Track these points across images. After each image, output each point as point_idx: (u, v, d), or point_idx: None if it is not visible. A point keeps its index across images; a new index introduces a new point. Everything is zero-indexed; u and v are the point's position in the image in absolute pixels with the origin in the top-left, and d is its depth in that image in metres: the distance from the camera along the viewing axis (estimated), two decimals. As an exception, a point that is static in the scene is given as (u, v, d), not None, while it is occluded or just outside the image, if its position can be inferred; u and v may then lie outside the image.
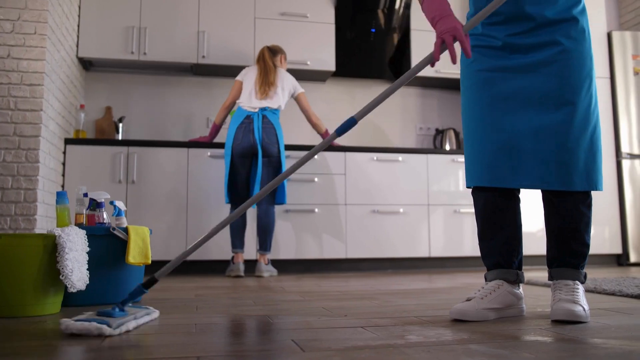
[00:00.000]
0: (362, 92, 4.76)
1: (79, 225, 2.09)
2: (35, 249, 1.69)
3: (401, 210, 4.07)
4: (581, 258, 1.64)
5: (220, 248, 3.75)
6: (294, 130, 4.48)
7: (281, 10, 4.31)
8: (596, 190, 1.61)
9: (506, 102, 1.63)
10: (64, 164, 3.65)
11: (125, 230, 2.03)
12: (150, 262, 2.08)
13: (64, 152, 3.66)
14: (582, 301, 1.53)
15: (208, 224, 3.79)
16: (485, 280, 1.70)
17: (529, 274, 3.38)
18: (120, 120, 4.14)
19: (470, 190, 1.76)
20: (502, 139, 1.62)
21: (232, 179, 3.56)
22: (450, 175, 4.19)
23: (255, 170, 3.57)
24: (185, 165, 3.82)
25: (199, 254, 3.74)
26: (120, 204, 2.17)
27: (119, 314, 1.40)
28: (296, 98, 3.81)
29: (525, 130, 1.61)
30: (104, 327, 1.30)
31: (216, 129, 3.86)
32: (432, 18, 1.54)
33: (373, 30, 4.55)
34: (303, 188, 3.93)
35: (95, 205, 2.14)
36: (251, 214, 3.77)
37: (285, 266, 3.93)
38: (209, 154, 3.86)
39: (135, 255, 2.02)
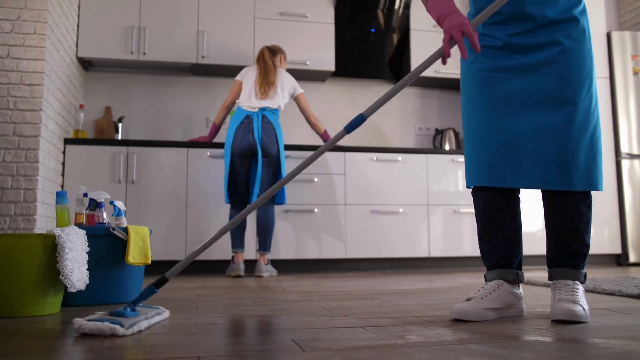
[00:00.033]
0: (361, 92, 4.76)
1: (79, 225, 2.09)
2: (35, 249, 1.69)
3: (401, 210, 4.07)
4: (581, 258, 1.64)
5: (220, 248, 3.75)
6: (293, 131, 4.48)
7: (281, 10, 4.31)
8: (596, 190, 1.61)
9: (506, 102, 1.63)
10: (63, 163, 3.65)
11: (125, 230, 2.03)
12: (150, 262, 2.08)
13: (64, 152, 3.66)
14: (582, 301, 1.53)
15: (207, 223, 3.79)
16: (485, 280, 1.70)
17: (528, 274, 3.39)
18: (120, 120, 4.14)
19: (469, 190, 1.76)
20: (503, 139, 1.62)
21: (232, 179, 3.56)
22: (449, 175, 4.19)
23: (255, 170, 3.57)
24: (184, 165, 3.82)
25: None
26: (120, 204, 2.17)
27: (131, 314, 1.40)
28: (295, 98, 3.81)
29: (526, 130, 1.61)
30: (117, 327, 1.30)
31: (216, 129, 3.86)
32: (438, 16, 1.53)
33: (373, 30, 4.56)
34: (303, 188, 3.93)
35: (95, 205, 2.14)
36: (251, 214, 3.77)
37: (284, 266, 3.93)
38: (208, 153, 3.86)
39: (135, 255, 2.02)
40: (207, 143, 3.86)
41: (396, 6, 4.53)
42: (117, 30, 4.03)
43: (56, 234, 1.72)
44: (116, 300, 2.00)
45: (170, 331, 1.39)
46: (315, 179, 3.97)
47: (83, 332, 1.32)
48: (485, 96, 1.66)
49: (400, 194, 4.09)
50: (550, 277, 1.68)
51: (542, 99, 1.60)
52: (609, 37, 4.69)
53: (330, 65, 4.36)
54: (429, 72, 4.45)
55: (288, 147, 3.92)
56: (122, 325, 1.30)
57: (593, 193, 1.65)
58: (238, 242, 3.56)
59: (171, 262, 3.73)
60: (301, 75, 4.39)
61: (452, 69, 4.44)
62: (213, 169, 3.85)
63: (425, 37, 4.55)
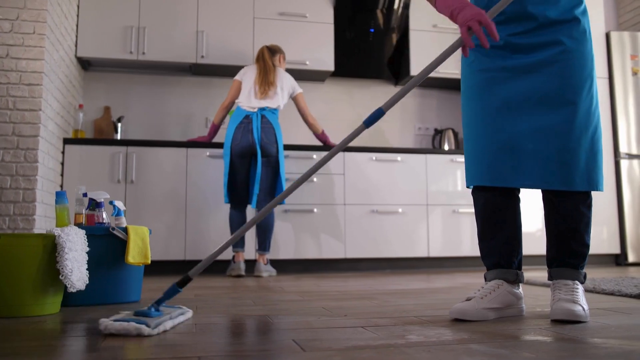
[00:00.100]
0: (360, 92, 4.76)
1: (79, 225, 2.09)
2: (35, 249, 1.69)
3: (400, 210, 4.07)
4: (581, 258, 1.64)
5: (219, 248, 3.74)
6: (292, 130, 4.48)
7: (280, 10, 4.31)
8: (597, 190, 1.61)
9: (507, 102, 1.63)
10: (62, 163, 3.65)
11: (125, 230, 2.03)
12: (149, 262, 2.08)
13: (63, 152, 3.65)
14: (582, 301, 1.54)
15: (207, 223, 3.79)
16: (485, 280, 1.70)
17: (528, 273, 3.39)
18: (119, 120, 4.13)
19: (469, 190, 1.76)
20: (503, 139, 1.62)
21: (232, 179, 3.56)
22: (448, 175, 4.19)
23: (254, 170, 3.57)
24: (184, 165, 3.82)
25: (198, 254, 3.74)
26: (119, 204, 2.17)
27: (155, 314, 1.40)
28: (294, 98, 3.81)
29: (526, 130, 1.61)
30: (143, 327, 1.29)
31: (215, 129, 3.86)
32: (452, 12, 1.52)
33: (372, 30, 4.56)
34: (302, 188, 3.93)
35: (94, 205, 2.14)
36: (251, 214, 3.77)
37: (284, 266, 3.93)
38: (207, 153, 3.86)
39: (135, 255, 2.02)
40: (206, 143, 3.86)
41: (395, 6, 4.53)
42: (116, 30, 4.03)
43: (56, 234, 1.72)
44: (116, 300, 2.00)
45: (170, 331, 1.39)
46: (315, 179, 3.97)
47: (109, 333, 1.31)
48: (486, 96, 1.66)
49: (400, 194, 4.09)
50: (550, 277, 1.68)
51: (542, 99, 1.61)
52: (608, 37, 4.69)
53: (330, 65, 4.36)
54: (428, 72, 4.45)
55: (287, 147, 3.92)
56: (148, 325, 1.30)
57: (592, 193, 1.65)
58: (239, 241, 3.56)
59: (171, 262, 3.74)
60: (300, 75, 4.39)
61: (451, 69, 4.44)
62: (212, 169, 3.85)
63: (424, 37, 4.56)
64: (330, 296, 2.22)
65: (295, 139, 4.50)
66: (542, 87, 1.61)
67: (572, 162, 1.58)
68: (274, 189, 3.61)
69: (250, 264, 3.77)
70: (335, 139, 4.54)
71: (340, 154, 4.03)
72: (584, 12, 1.66)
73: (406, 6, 4.56)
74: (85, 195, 2.15)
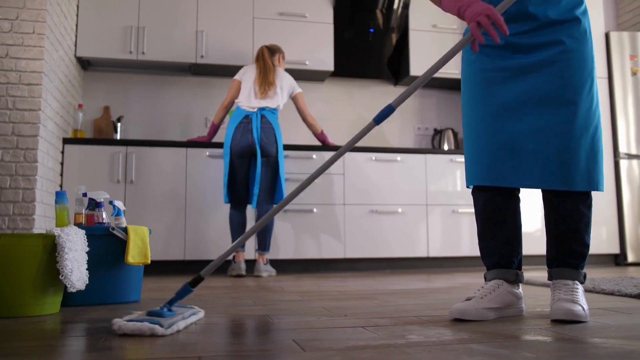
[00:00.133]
0: (360, 92, 4.76)
1: (78, 225, 2.09)
2: (35, 249, 1.69)
3: (399, 210, 4.07)
4: (581, 258, 1.64)
5: (219, 248, 3.75)
6: (292, 131, 4.48)
7: (280, 10, 4.31)
8: (597, 190, 1.61)
9: (507, 102, 1.63)
10: (62, 163, 3.65)
11: (125, 230, 2.03)
12: (149, 262, 2.08)
13: (62, 152, 3.65)
14: (582, 301, 1.54)
15: (207, 223, 3.79)
16: (485, 279, 1.70)
17: (528, 273, 3.39)
18: (119, 119, 4.13)
19: (469, 190, 1.76)
20: (503, 139, 1.62)
21: (231, 179, 3.56)
22: (448, 176, 4.19)
23: (254, 170, 3.57)
24: (183, 165, 3.82)
25: (197, 254, 3.74)
26: (119, 204, 2.17)
27: (168, 314, 1.39)
28: (293, 98, 3.81)
29: (527, 130, 1.61)
30: (157, 327, 1.29)
31: (214, 129, 3.85)
32: (458, 9, 1.51)
33: (371, 30, 4.56)
34: (302, 188, 3.92)
35: (94, 205, 2.14)
36: (251, 214, 3.77)
37: (283, 266, 3.93)
38: (207, 153, 3.86)
39: (135, 255, 2.02)
40: (206, 143, 3.86)
41: (395, 6, 4.53)
42: (116, 30, 4.03)
43: (56, 234, 1.72)
44: (116, 300, 2.00)
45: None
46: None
47: (123, 333, 1.31)
48: (486, 96, 1.66)
49: (399, 194, 4.10)
50: (550, 277, 1.68)
51: (543, 99, 1.61)
52: (607, 37, 4.69)
53: (329, 65, 4.36)
54: (427, 72, 4.45)
55: (287, 147, 3.92)
56: (161, 325, 1.30)
57: (592, 193, 1.65)
58: (239, 241, 3.56)
59: (171, 262, 3.73)
60: (300, 75, 4.39)
61: (451, 68, 4.44)
62: (212, 169, 3.85)
63: (424, 37, 4.56)
64: (330, 296, 2.22)
65: (295, 139, 4.50)
66: (543, 87, 1.61)
67: (573, 162, 1.58)
68: (273, 189, 3.61)
69: (250, 264, 3.77)
70: (335, 139, 4.54)
71: (340, 154, 4.03)
72: (585, 12, 1.66)
73: (406, 6, 4.57)
74: (85, 195, 2.15)
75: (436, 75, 4.49)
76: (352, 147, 1.49)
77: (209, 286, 2.74)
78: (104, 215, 2.15)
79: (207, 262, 3.79)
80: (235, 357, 1.09)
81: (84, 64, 4.16)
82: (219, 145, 3.86)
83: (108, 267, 1.99)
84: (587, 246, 1.64)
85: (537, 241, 4.01)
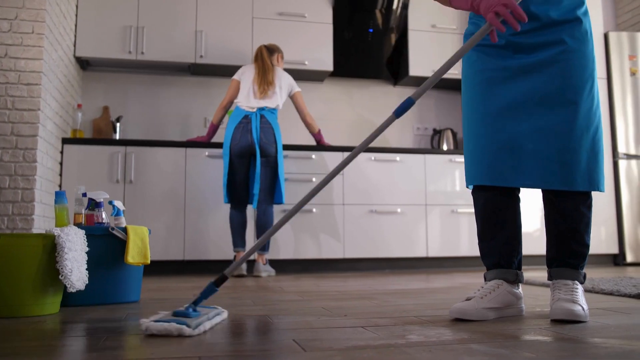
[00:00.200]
0: (359, 92, 4.76)
1: (78, 225, 2.09)
2: (35, 249, 1.69)
3: (399, 210, 4.07)
4: (581, 258, 1.64)
5: (218, 248, 3.75)
6: (291, 131, 4.48)
7: (279, 10, 4.31)
8: (598, 190, 1.61)
9: (508, 101, 1.63)
10: (61, 163, 3.64)
11: (124, 230, 2.03)
12: (149, 262, 2.08)
13: (62, 152, 3.65)
14: (581, 301, 1.54)
15: (206, 223, 3.79)
16: (485, 279, 1.71)
17: (528, 274, 3.39)
18: (118, 119, 4.13)
19: (468, 190, 1.76)
20: (503, 139, 1.62)
21: (231, 179, 3.56)
22: (447, 176, 4.19)
23: (254, 170, 3.57)
24: (183, 165, 3.81)
25: (196, 254, 3.74)
26: (119, 204, 2.17)
27: (194, 314, 1.39)
28: (292, 97, 3.81)
29: (527, 130, 1.61)
30: (184, 327, 1.29)
31: (214, 129, 3.85)
32: (472, 3, 1.51)
33: (371, 30, 4.56)
34: (301, 188, 3.93)
35: (94, 205, 2.14)
36: (250, 214, 3.77)
37: (283, 266, 3.93)
38: (206, 153, 3.85)
39: (134, 255, 2.02)
40: (205, 143, 3.86)
41: (394, 6, 4.54)
42: (115, 30, 4.03)
43: (55, 234, 1.72)
44: (115, 300, 2.00)
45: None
46: (314, 179, 3.97)
47: (151, 333, 1.31)
48: (487, 96, 1.66)
49: (399, 194, 4.10)
50: (550, 277, 1.68)
51: (543, 98, 1.61)
52: (606, 37, 4.70)
53: (329, 65, 4.36)
54: (427, 73, 4.46)
55: (286, 147, 3.92)
56: (188, 326, 1.30)
57: (592, 194, 1.65)
58: (240, 241, 3.56)
59: (170, 262, 3.73)
60: (299, 75, 4.39)
61: (450, 69, 4.44)
62: (211, 169, 3.84)
63: (423, 37, 4.56)
64: (329, 296, 2.22)
65: (294, 139, 4.50)
66: (543, 87, 1.61)
67: (573, 162, 1.58)
68: (273, 189, 3.61)
69: (250, 264, 3.76)
70: (335, 139, 4.54)
71: (340, 153, 4.04)
72: (586, 12, 1.66)
73: (405, 6, 4.57)
74: (84, 195, 2.15)
75: (435, 75, 4.49)
76: (372, 141, 1.49)
77: (208, 286, 2.74)
78: (104, 215, 2.15)
79: (207, 262, 3.79)
80: (235, 357, 1.09)
81: (83, 63, 4.15)
82: (218, 145, 3.86)
83: (108, 267, 1.99)
84: (587, 246, 1.64)
85: (537, 241, 4.01)
